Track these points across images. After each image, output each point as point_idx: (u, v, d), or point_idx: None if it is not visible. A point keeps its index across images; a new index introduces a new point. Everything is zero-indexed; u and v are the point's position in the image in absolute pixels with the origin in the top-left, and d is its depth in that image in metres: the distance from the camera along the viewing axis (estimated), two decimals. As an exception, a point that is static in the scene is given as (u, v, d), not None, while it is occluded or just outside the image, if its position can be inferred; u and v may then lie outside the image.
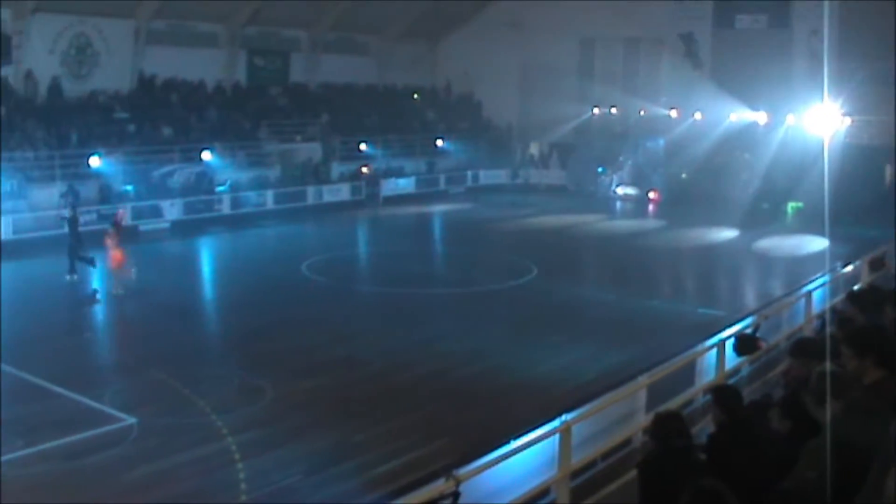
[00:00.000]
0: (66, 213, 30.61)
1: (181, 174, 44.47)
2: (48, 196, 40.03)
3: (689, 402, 15.52)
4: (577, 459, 12.66)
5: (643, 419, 13.96)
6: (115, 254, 28.49)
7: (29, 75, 44.71)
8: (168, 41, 49.66)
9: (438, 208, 49.36)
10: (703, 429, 11.35)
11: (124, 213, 31.05)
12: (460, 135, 57.38)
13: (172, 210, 42.22)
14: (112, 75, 47.48)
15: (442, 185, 54.38)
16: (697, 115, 50.44)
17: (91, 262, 29.46)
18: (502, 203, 50.54)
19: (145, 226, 40.76)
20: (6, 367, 20.25)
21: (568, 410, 12.62)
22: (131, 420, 16.83)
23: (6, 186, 38.63)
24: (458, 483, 9.07)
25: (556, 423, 12.26)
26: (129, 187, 42.10)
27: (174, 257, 37.18)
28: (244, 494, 13.84)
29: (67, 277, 29.26)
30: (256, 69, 54.77)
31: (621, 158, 53.50)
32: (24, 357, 20.83)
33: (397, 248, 37.25)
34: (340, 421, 16.96)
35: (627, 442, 14.25)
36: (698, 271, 33.14)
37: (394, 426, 16.64)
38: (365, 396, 18.41)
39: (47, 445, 15.70)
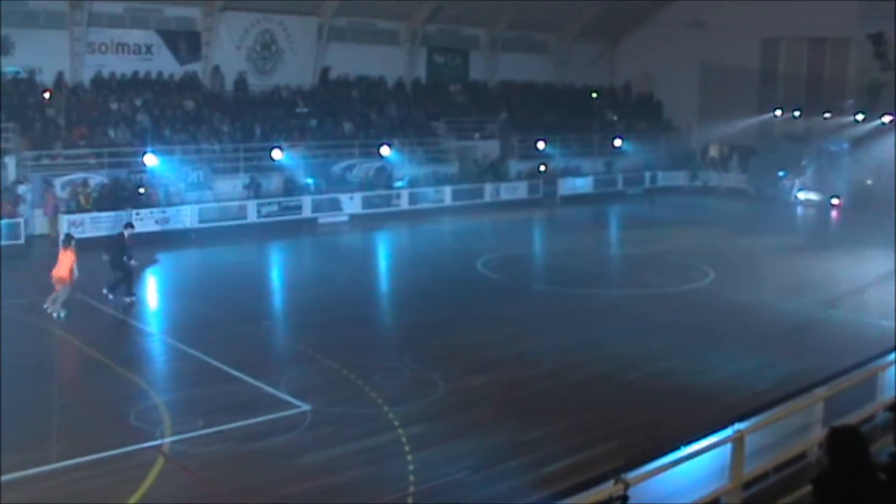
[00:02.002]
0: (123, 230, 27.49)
1: (361, 169, 45.29)
2: (232, 187, 41.36)
3: (868, 419, 14.93)
4: (750, 470, 12.38)
5: (819, 433, 13.57)
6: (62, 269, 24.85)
7: (216, 71, 46.28)
8: (350, 38, 50.67)
9: (615, 209, 48.96)
10: (884, 447, 10.90)
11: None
12: (639, 135, 56.77)
13: (351, 204, 43.00)
14: (295, 71, 48.73)
15: (619, 186, 53.91)
16: (885, 119, 48.57)
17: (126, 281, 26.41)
18: (680, 205, 49.84)
19: (324, 218, 41.68)
20: (190, 350, 21.08)
21: (741, 419, 12.35)
22: (305, 407, 17.23)
23: (193, 177, 40.07)
24: (627, 487, 8.98)
25: (728, 431, 12.02)
26: (309, 180, 43.07)
27: (352, 250, 37.88)
28: (412, 486, 13.97)
29: (126, 300, 26.01)
30: (436, 66, 55.32)
31: (804, 162, 51.86)
32: (206, 341, 21.66)
33: (573, 247, 37.05)
34: (510, 418, 16.98)
35: (802, 455, 13.86)
36: (882, 282, 31.90)
37: (563, 426, 16.57)
38: (535, 395, 18.39)
39: (225, 427, 16.25)
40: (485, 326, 23.79)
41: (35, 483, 13.81)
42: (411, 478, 14.22)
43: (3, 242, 33.80)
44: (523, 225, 44.08)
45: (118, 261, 26.08)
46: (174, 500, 13.50)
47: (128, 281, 26.22)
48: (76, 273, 24.60)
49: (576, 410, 17.42)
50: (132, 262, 26.40)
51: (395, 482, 14.09)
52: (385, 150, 45.66)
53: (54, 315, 24.24)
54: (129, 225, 28.04)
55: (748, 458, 12.15)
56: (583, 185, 52.64)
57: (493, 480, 14.31)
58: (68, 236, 27.44)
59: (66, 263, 24.67)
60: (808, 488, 8.74)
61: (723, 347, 22.04)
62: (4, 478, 13.93)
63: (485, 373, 19.76)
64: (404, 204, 44.99)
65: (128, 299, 25.98)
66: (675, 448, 11.33)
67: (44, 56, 41.37)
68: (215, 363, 20.07)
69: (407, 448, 15.34)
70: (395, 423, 16.48)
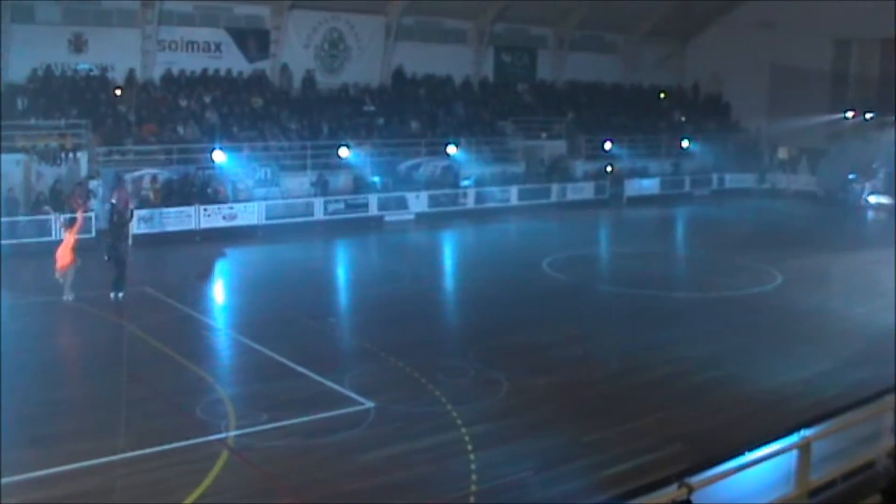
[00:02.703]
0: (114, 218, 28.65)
1: (427, 167, 45.35)
2: (299, 184, 41.60)
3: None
4: (816, 477, 12.21)
5: (889, 442, 13.34)
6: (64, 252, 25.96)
7: (285, 69, 46.65)
8: (417, 37, 50.80)
9: (682, 210, 48.59)
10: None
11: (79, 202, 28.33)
12: (707, 136, 56.21)
13: (417, 202, 43.07)
14: (363, 69, 48.96)
15: (687, 188, 53.41)
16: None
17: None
18: (748, 208, 49.33)
19: (390, 216, 41.78)
20: (256, 346, 21.25)
21: (808, 425, 12.19)
22: (369, 404, 17.29)
23: (260, 174, 40.36)
24: (691, 491, 8.91)
25: (794, 437, 11.86)
26: (376, 178, 43.21)
27: (417, 248, 37.94)
28: (474, 485, 13.97)
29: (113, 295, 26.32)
30: (504, 66, 55.27)
31: (875, 165, 51.00)
32: (272, 337, 21.84)
33: (639, 248, 36.84)
34: (574, 419, 16.92)
35: (870, 464, 13.64)
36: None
37: (627, 428, 16.48)
38: (599, 396, 18.32)
39: (289, 422, 16.37)
40: (549, 326, 23.74)
41: (104, 472, 14.03)
42: (473, 477, 14.22)
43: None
44: (589, 225, 43.89)
45: (116, 254, 26.76)
46: (237, 493, 13.63)
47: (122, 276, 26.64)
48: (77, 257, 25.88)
49: (639, 413, 17.30)
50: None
51: (458, 481, 14.10)
52: (452, 149, 45.69)
53: (69, 299, 25.47)
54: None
55: (815, 466, 11.98)
56: (649, 186, 52.26)
57: (555, 481, 14.27)
58: (70, 219, 28.28)
59: (67, 244, 25.92)
60: (876, 498, 8.62)
61: (789, 352, 21.76)
62: (75, 465, 14.24)
63: (549, 373, 19.71)
64: (470, 203, 44.96)
65: (114, 294, 26.36)
66: (740, 453, 11.20)
67: (116, 54, 42.05)
68: (280, 359, 20.22)
69: (470, 447, 15.34)
70: (459, 421, 16.48)
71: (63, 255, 25.96)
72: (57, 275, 25.89)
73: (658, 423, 16.74)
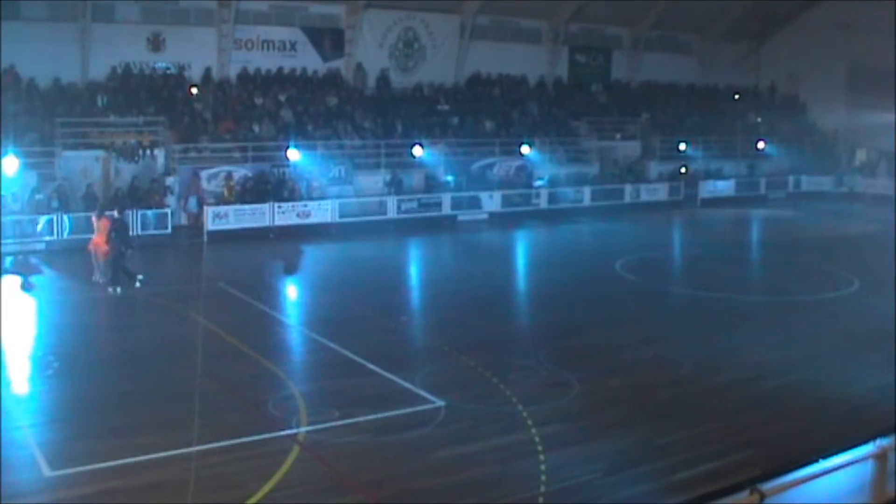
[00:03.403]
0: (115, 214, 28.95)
1: (501, 167, 45.39)
2: (373, 183, 41.86)
3: None
4: (893, 488, 11.99)
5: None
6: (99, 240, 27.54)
7: (359, 67, 46.97)
8: (492, 37, 50.88)
9: (757, 213, 48.06)
10: None
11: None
12: (783, 138, 55.58)
13: (491, 202, 43.12)
14: (437, 69, 49.14)
15: (762, 190, 52.85)
16: None
17: (132, 278, 27.43)
18: (824, 211, 48.62)
19: (464, 216, 41.85)
20: (328, 343, 21.40)
21: (885, 435, 11.96)
22: (440, 403, 17.30)
23: (334, 172, 40.64)
24: (763, 497, 8.79)
25: (870, 446, 11.65)
26: (449, 177, 43.30)
27: (490, 248, 38.02)
28: (543, 486, 13.92)
29: (110, 289, 26.83)
30: (578, 66, 55.17)
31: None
32: (344, 334, 21.97)
33: (712, 251, 36.53)
34: (644, 422, 16.78)
35: (951, 477, 13.38)
36: None
37: (697, 432, 16.30)
38: (670, 399, 18.15)
39: (360, 419, 16.44)
40: (621, 328, 23.59)
41: (177, 463, 14.19)
42: (543, 478, 14.16)
43: (150, 232, 34.83)
44: (663, 227, 43.62)
45: (119, 249, 27.25)
46: (307, 489, 13.71)
47: (122, 269, 27.18)
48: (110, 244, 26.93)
49: (711, 417, 17.11)
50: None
51: (527, 482, 14.05)
52: (525, 149, 45.67)
53: (102, 281, 26.73)
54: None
55: (892, 476, 11.75)
56: (724, 187, 51.79)
57: (625, 484, 14.17)
58: (102, 208, 29.61)
59: (102, 233, 27.14)
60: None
61: (865, 359, 21.33)
62: (150, 456, 14.49)
63: (620, 375, 19.59)
64: (543, 203, 44.89)
65: (111, 289, 26.80)
66: (814, 461, 11.03)
67: (192, 52, 42.72)
68: (352, 356, 20.33)
69: (540, 448, 15.28)
70: (529, 422, 16.43)
71: (99, 245, 27.34)
72: (99, 260, 27.26)
73: (729, 428, 16.54)
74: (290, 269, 32.53)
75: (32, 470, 14.21)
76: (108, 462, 14.31)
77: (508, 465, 14.76)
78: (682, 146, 50.91)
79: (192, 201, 37.19)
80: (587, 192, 46.41)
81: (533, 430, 16.02)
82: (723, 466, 14.50)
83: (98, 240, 27.53)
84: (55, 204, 33.93)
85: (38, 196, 34.16)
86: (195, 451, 14.41)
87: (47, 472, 14.10)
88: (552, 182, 46.25)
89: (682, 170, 50.24)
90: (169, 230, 35.56)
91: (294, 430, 15.88)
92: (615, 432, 16.20)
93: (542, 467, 14.52)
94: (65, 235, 33.43)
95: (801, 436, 15.74)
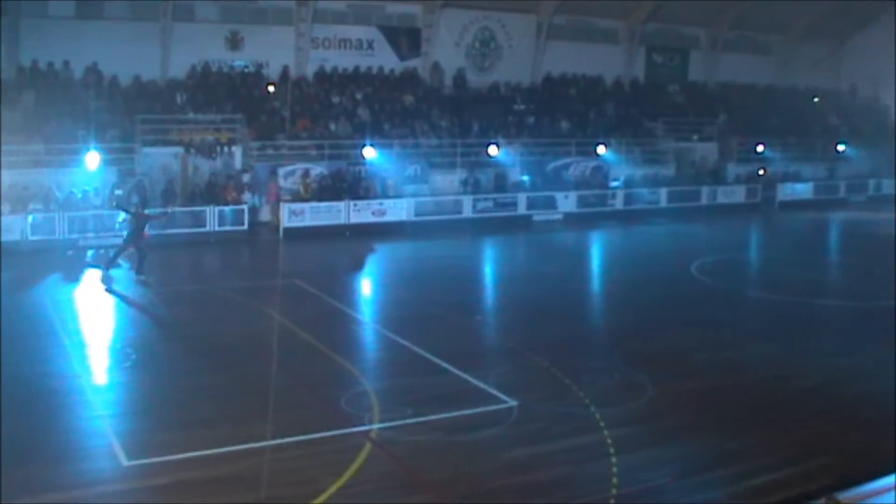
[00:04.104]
0: (132, 209, 30.04)
1: (576, 167, 45.26)
2: (448, 182, 41.93)
3: None
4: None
5: None
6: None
7: (436, 67, 47.09)
8: (568, 37, 50.80)
9: (836, 216, 47.32)
10: None
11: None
12: (864, 141, 54.64)
13: (566, 202, 43.02)
14: (513, 68, 49.15)
15: (842, 193, 52.02)
16: None
17: (112, 263, 28.87)
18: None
19: (539, 216, 41.80)
20: (402, 340, 21.48)
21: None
22: (512, 403, 17.25)
23: (410, 171, 40.77)
24: (837, 507, 8.67)
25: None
26: (524, 177, 43.26)
27: (565, 248, 37.97)
28: (614, 488, 13.84)
29: (139, 277, 28.09)
30: (655, 66, 54.85)
31: None
32: (417, 332, 22.03)
33: (790, 254, 36.06)
34: (717, 426, 16.59)
35: None
36: None
37: (771, 438, 16.06)
38: (744, 404, 17.91)
39: (432, 417, 16.45)
40: (696, 331, 23.35)
41: (250, 457, 14.34)
42: (614, 480, 14.07)
43: (227, 228, 35.24)
44: (740, 230, 43.15)
45: (136, 239, 28.25)
46: (378, 486, 13.76)
47: (144, 259, 28.04)
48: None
49: (785, 423, 16.87)
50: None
51: (598, 484, 13.97)
52: (601, 150, 45.47)
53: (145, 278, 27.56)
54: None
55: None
56: (803, 190, 51.09)
57: (697, 488, 14.03)
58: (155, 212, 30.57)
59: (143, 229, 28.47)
60: None
61: (949, 367, 20.92)
62: (224, 449, 14.67)
63: (693, 378, 19.40)
64: (619, 204, 44.67)
65: (142, 277, 27.71)
66: (891, 472, 10.83)
67: (270, 51, 43.20)
68: (426, 354, 20.37)
69: (612, 450, 15.18)
70: (601, 423, 16.34)
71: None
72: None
73: (804, 435, 16.28)
74: (365, 267, 32.71)
75: (110, 459, 14.47)
76: (183, 453, 14.50)
77: (580, 466, 14.69)
78: (760, 148, 50.30)
79: (261, 198, 37.59)
80: (663, 193, 46.06)
81: (605, 432, 15.93)
82: (797, 474, 14.29)
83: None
84: (135, 199, 34.45)
85: (117, 191, 34.73)
86: (268, 446, 14.55)
87: (124, 461, 14.34)
88: (628, 183, 46.00)
89: (760, 172, 49.66)
90: (245, 226, 35.90)
91: (366, 427, 15.94)
92: (688, 436, 16.04)
93: (614, 469, 14.43)
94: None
95: (878, 445, 15.42)
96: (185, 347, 21.09)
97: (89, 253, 32.21)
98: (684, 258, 32.99)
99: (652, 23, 53.15)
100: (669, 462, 14.86)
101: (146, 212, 30.19)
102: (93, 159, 34.42)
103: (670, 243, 39.24)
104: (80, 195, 33.97)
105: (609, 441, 15.54)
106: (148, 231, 29.07)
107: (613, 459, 14.82)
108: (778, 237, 42.65)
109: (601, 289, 31.32)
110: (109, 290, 27.03)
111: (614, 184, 45.62)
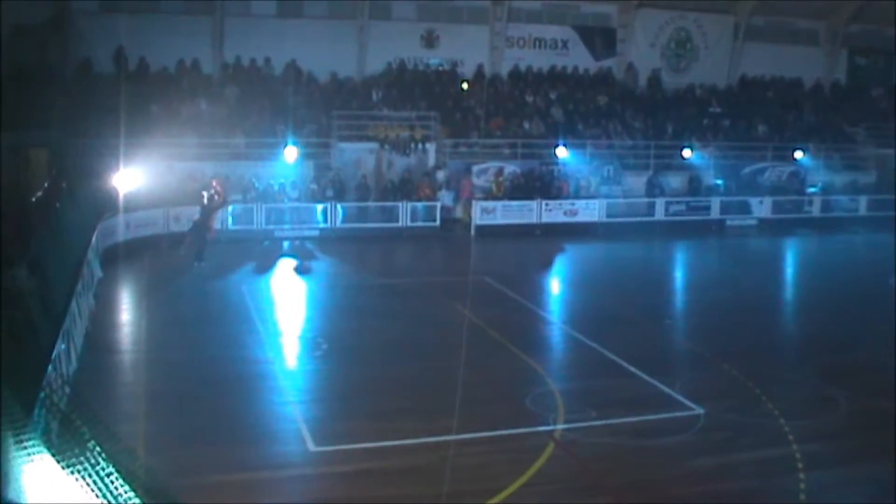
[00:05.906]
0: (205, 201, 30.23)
1: (772, 172, 44.28)
2: (640, 183, 41.55)
3: None
4: None
5: None
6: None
7: (630, 67, 46.72)
8: (766, 38, 49.63)
9: None
10: None
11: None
12: None
13: (761, 208, 42.16)
14: (709, 70, 48.38)
15: None
16: None
17: (199, 257, 29.23)
18: None
19: (732, 221, 41.11)
20: (589, 342, 21.47)
21: None
22: (699, 410, 17.03)
23: (603, 171, 40.61)
24: None
25: None
26: (718, 181, 42.57)
27: (758, 255, 37.27)
28: (802, 505, 13.53)
29: (196, 264, 28.86)
30: (857, 69, 53.07)
31: None
32: (605, 334, 21.98)
33: None
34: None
35: None
36: None
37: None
38: (944, 424, 17.23)
39: (617, 420, 16.39)
40: (894, 347, 22.55)
41: (434, 450, 14.59)
42: (802, 496, 13.73)
43: (419, 224, 35.82)
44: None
45: (199, 227, 29.18)
46: (559, 486, 13.80)
47: (202, 247, 28.91)
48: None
49: None
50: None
51: (785, 498, 13.66)
52: (799, 155, 44.35)
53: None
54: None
55: None
56: None
57: (891, 511, 13.58)
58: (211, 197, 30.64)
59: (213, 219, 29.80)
60: None
61: None
62: (409, 441, 15.03)
63: (890, 396, 18.70)
64: (816, 211, 43.48)
65: (197, 264, 28.48)
66: None
67: (465, 49, 43.67)
68: (612, 357, 20.31)
69: (800, 465, 14.80)
70: (791, 437, 15.95)
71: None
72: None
73: None
74: (555, 267, 32.77)
75: (298, 443, 15.03)
76: (368, 443, 14.88)
77: (766, 479, 14.39)
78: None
79: (450, 196, 37.96)
80: (863, 201, 44.57)
81: (794, 447, 15.54)
82: None
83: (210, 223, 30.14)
84: (330, 193, 35.38)
85: (313, 185, 35.70)
86: (452, 440, 14.76)
87: (311, 446, 14.84)
88: (826, 189, 44.73)
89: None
90: (437, 223, 36.41)
91: (550, 427, 16.00)
92: (882, 457, 15.43)
93: (802, 486, 14.07)
94: (338, 224, 34.87)
95: None
96: (376, 339, 21.58)
97: (286, 244, 33.25)
98: (883, 269, 31.77)
99: (855, 23, 51.41)
100: (861, 482, 14.40)
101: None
102: (291, 153, 35.50)
103: (869, 253, 37.96)
104: (276, 187, 35.05)
105: (798, 455, 15.16)
106: (214, 223, 30.58)
107: (801, 475, 14.42)
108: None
109: (794, 298, 30.57)
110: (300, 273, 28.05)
111: (811, 190, 44.44)
